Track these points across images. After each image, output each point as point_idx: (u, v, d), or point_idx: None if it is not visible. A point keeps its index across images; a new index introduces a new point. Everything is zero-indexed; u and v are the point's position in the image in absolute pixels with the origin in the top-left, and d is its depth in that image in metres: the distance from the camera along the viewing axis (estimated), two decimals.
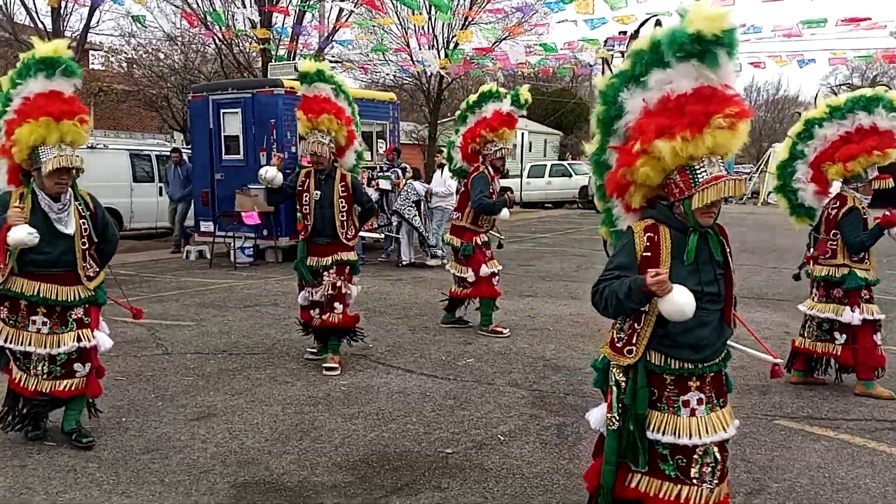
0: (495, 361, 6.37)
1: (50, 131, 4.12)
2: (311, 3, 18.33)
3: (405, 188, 12.07)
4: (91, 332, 4.44)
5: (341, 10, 16.88)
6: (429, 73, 22.92)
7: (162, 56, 24.85)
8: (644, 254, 2.90)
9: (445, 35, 26.03)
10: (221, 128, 12.58)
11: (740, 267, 11.89)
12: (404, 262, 12.05)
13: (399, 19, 23.57)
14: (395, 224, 12.25)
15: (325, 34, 18.66)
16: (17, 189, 4.35)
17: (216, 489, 3.88)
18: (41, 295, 4.29)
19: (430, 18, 23.48)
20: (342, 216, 5.93)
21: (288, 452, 4.37)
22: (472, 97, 7.42)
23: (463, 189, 7.38)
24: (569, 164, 30.51)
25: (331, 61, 19.91)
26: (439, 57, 20.46)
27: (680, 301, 2.69)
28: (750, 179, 33.35)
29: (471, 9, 24.13)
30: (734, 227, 18.97)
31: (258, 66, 21.00)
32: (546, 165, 29.96)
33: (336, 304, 5.91)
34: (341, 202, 5.93)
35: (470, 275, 7.13)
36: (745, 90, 57.71)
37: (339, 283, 5.93)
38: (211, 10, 19.78)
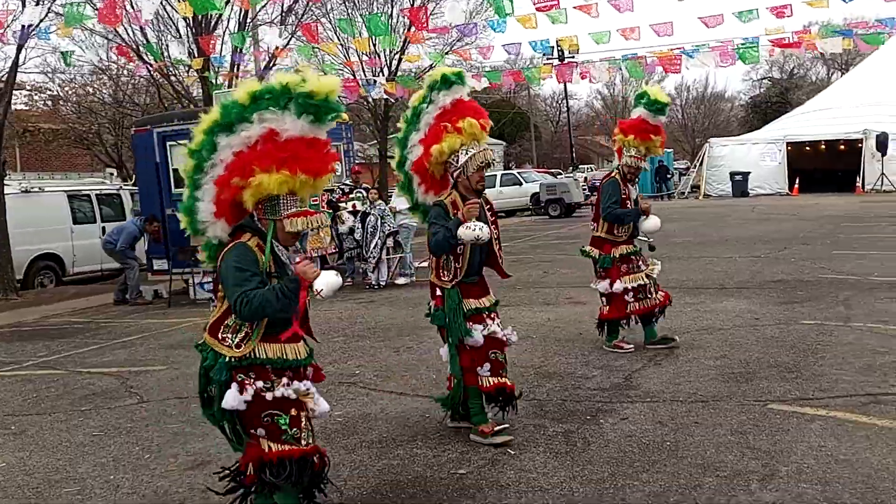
0: None
1: None
2: (246, 31, 18.14)
3: (377, 209, 12.02)
4: None
5: (281, 35, 16.79)
6: (373, 97, 22.91)
7: (90, 90, 24.20)
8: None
9: (390, 56, 26.10)
10: (169, 161, 12.30)
11: (698, 259, 12.30)
12: (382, 284, 11.93)
13: (342, 43, 23.53)
14: (376, 245, 12.00)
15: (265, 61, 18.56)
16: None
17: None
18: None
19: (372, 42, 23.50)
20: None
21: None
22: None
23: (596, 197, 6.92)
24: (518, 172, 30.81)
25: None
26: (384, 78, 20.52)
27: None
28: (689, 174, 34.30)
29: (409, 30, 24.26)
30: (683, 221, 19.47)
31: (196, 94, 20.67)
32: (496, 175, 30.18)
33: None
34: None
35: (602, 286, 6.75)
36: (676, 89, 59.52)
37: None
38: (144, 41, 19.42)
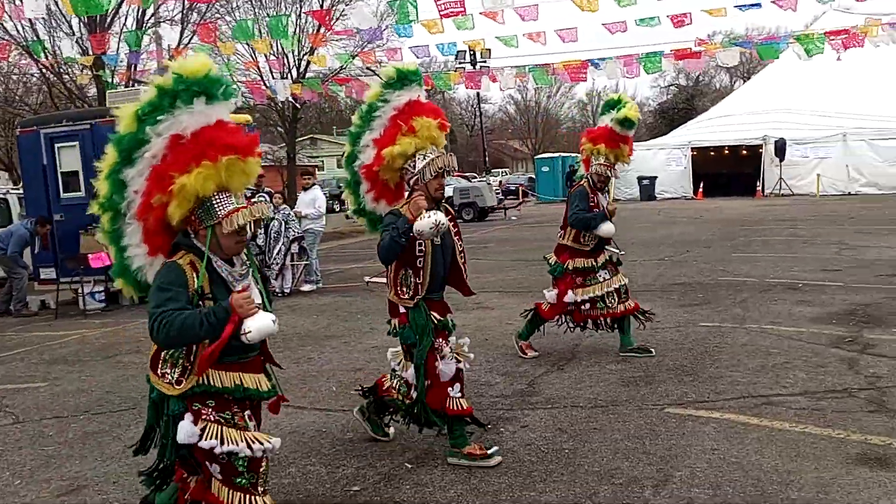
0: None
1: None
2: (143, 30, 17.44)
3: (282, 213, 11.65)
4: None
5: (181, 34, 16.19)
6: (280, 99, 22.44)
7: None
8: None
9: (297, 58, 25.62)
10: (57, 163, 11.65)
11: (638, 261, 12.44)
12: (287, 291, 11.58)
13: (247, 43, 22.99)
14: (279, 252, 11.57)
15: (164, 60, 17.82)
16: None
17: None
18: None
19: (279, 44, 23.03)
20: None
21: None
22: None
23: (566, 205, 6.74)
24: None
25: None
26: (291, 81, 20.09)
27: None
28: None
29: (317, 33, 23.91)
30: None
31: (92, 94, 19.77)
32: None
33: None
34: None
35: (550, 296, 6.59)
36: (587, 95, 60.92)
37: None
38: (34, 38, 18.42)
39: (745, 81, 48.43)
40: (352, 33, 23.77)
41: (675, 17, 15.28)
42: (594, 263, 6.54)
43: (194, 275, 3.09)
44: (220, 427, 3.12)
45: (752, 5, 14.57)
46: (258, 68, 23.91)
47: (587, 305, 6.51)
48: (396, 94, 4.41)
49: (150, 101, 3.13)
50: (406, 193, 4.51)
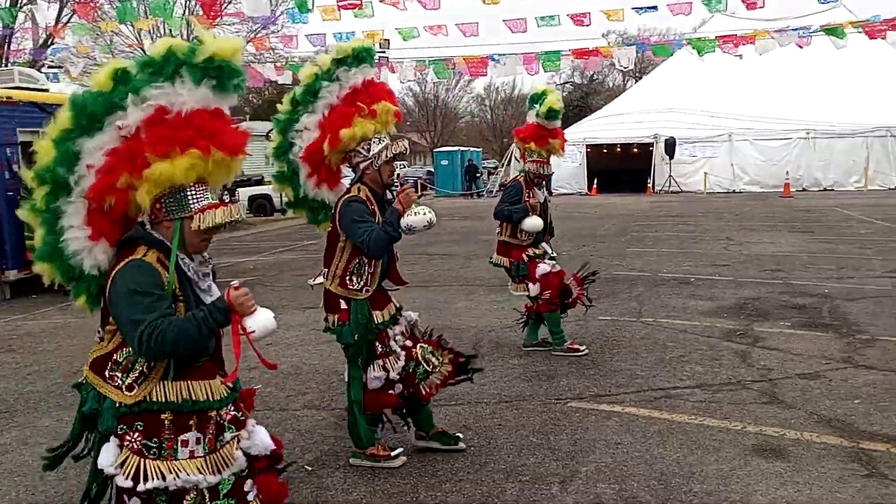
0: (286, 384, 5.96)
1: None
2: (20, 6, 16.31)
3: None
4: None
5: (60, 12, 15.17)
6: None
7: None
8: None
9: (185, 39, 24.50)
10: None
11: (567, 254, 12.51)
12: None
13: (132, 23, 21.86)
14: None
15: (42, 38, 16.73)
16: None
17: None
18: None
19: (163, 25, 21.96)
20: None
21: None
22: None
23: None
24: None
25: (50, 66, 17.92)
26: None
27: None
28: (498, 173, 35.45)
29: (206, 14, 22.97)
30: (491, 220, 19.94)
31: None
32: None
33: None
34: None
35: (533, 289, 6.39)
36: (485, 90, 61.49)
37: None
38: None
39: (636, 81, 50.08)
40: (244, 17, 22.99)
41: (575, 16, 15.54)
42: (537, 253, 6.50)
43: (164, 272, 2.68)
44: (141, 460, 2.68)
45: (649, 8, 15.01)
46: (143, 51, 22.74)
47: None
48: (352, 73, 4.16)
49: (148, 61, 2.70)
50: (343, 177, 4.36)
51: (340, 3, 14.69)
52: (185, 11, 22.43)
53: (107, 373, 2.74)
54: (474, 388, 5.61)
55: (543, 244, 6.60)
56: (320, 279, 4.35)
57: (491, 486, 3.97)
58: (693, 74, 29.87)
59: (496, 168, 38.24)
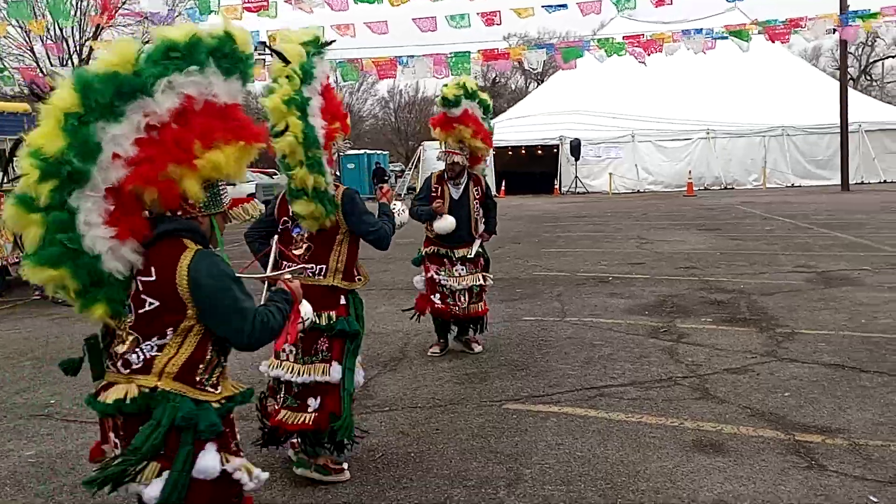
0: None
1: None
2: None
3: None
4: None
5: None
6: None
7: None
8: None
9: (77, 41, 23.32)
10: None
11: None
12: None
13: (20, 25, 20.57)
14: None
15: None
16: None
17: None
18: None
19: (55, 24, 20.78)
20: None
21: None
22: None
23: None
24: None
25: None
26: (73, 68, 18.21)
27: None
28: (405, 176, 35.33)
29: (102, 14, 21.90)
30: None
31: None
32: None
33: None
34: None
35: (416, 280, 6.58)
36: (389, 93, 61.20)
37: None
38: None
39: (538, 84, 51.02)
40: (140, 16, 22.03)
41: (485, 15, 15.60)
42: (450, 253, 6.37)
43: None
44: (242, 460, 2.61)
45: (559, 6, 15.21)
46: (33, 53, 21.56)
47: (438, 299, 6.36)
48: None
49: (172, 45, 2.44)
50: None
51: (245, 5, 14.28)
52: (76, 11, 21.34)
53: (196, 377, 2.53)
54: (407, 392, 5.52)
55: (476, 245, 6.46)
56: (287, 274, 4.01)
57: (437, 493, 3.87)
58: (596, 76, 30.63)
59: (403, 171, 38.12)
